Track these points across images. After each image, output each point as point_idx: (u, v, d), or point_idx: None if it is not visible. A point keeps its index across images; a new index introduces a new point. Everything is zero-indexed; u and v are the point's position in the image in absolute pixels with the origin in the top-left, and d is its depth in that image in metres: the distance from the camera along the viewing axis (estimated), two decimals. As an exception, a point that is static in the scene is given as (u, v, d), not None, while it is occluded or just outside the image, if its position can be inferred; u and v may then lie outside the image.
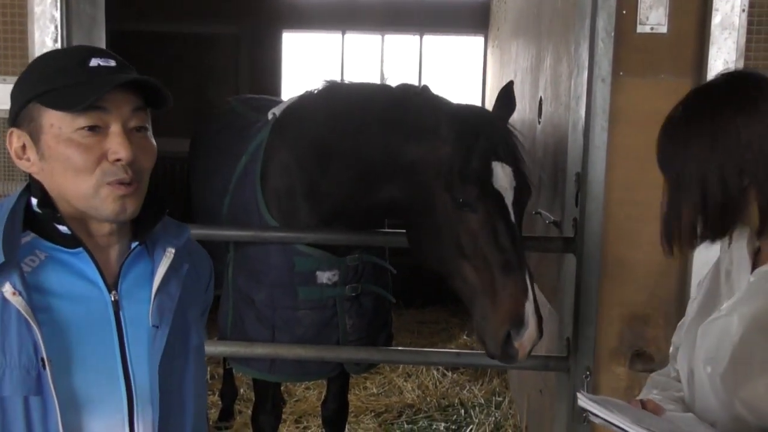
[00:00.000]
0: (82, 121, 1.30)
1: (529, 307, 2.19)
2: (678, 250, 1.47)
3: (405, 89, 2.59)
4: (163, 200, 1.44)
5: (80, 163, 1.31)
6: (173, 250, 1.43)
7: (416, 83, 2.66)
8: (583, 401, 1.39)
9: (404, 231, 2.61)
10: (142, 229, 1.42)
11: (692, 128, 1.43)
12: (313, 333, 2.81)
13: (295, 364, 2.88)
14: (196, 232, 2.66)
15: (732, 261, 1.53)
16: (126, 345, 1.36)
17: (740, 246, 1.50)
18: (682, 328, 1.72)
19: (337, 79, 2.87)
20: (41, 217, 1.35)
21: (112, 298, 1.36)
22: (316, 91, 2.86)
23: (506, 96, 2.50)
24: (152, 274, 1.41)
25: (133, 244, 1.42)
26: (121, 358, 1.35)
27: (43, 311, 1.28)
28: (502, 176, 2.31)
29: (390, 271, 3.02)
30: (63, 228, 1.34)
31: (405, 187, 2.48)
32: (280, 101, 3.97)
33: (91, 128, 1.31)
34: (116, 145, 1.31)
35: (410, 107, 2.45)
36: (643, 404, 1.48)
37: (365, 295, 2.90)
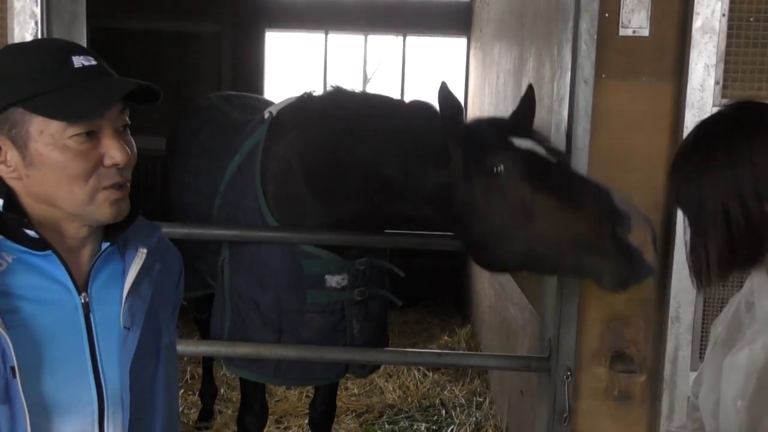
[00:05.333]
0: (78, 128, 1.26)
1: (619, 199, 2.01)
2: (708, 285, 1.44)
3: (424, 109, 2.52)
4: (137, 200, 1.41)
5: (77, 170, 1.27)
6: (145, 250, 1.40)
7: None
8: None
9: (401, 232, 2.67)
10: (114, 229, 1.38)
11: (706, 160, 1.41)
12: (320, 337, 2.73)
13: (301, 369, 2.80)
14: (178, 231, 2.64)
15: (752, 290, 1.49)
16: (96, 347, 1.33)
17: (759, 273, 1.46)
18: (699, 378, 1.67)
19: (342, 84, 2.74)
20: (6, 219, 1.30)
21: (82, 301, 1.33)
22: (319, 95, 2.78)
23: (527, 99, 2.54)
24: (123, 274, 1.38)
25: (105, 245, 1.38)
26: (91, 361, 1.32)
27: (11, 316, 1.24)
28: (524, 142, 2.29)
29: (397, 273, 2.88)
30: (31, 232, 1.29)
31: (441, 198, 2.41)
32: (264, 99, 3.92)
33: (88, 134, 1.27)
34: (113, 150, 1.29)
35: (432, 131, 2.40)
36: None
37: (372, 299, 2.83)
